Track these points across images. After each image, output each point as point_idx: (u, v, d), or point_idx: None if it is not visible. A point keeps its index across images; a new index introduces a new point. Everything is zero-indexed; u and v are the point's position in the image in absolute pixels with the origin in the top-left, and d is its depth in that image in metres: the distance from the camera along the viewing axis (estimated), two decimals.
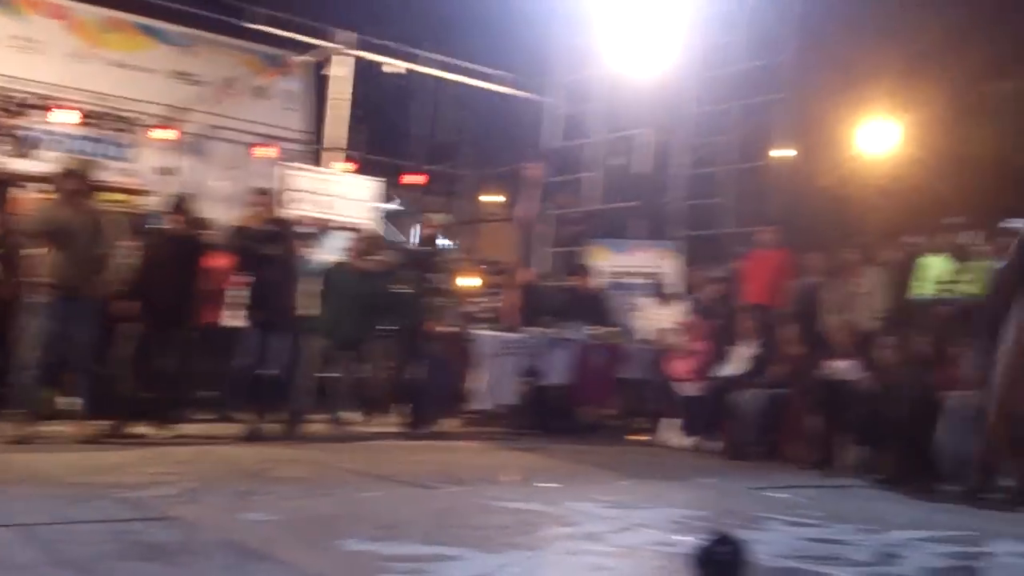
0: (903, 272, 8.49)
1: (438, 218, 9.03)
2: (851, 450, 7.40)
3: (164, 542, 3.63)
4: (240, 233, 7.76)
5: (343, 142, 13.74)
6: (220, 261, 8.72)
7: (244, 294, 7.73)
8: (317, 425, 8.13)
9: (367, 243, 8.65)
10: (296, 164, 12.44)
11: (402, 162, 16.99)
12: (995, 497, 6.04)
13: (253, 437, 7.26)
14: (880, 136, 16.63)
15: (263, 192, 8.44)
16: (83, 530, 3.75)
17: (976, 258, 7.75)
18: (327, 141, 13.92)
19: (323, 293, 8.10)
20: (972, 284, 7.63)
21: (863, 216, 16.79)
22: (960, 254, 7.77)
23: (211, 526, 3.93)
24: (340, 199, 11.37)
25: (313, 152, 14.52)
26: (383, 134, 17.06)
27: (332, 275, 8.31)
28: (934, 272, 7.93)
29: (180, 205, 7.65)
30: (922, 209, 13.80)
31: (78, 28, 13.76)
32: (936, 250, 8.10)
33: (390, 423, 9.03)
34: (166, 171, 12.29)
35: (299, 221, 10.57)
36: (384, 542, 3.77)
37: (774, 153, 12.78)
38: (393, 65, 13.98)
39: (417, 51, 14.45)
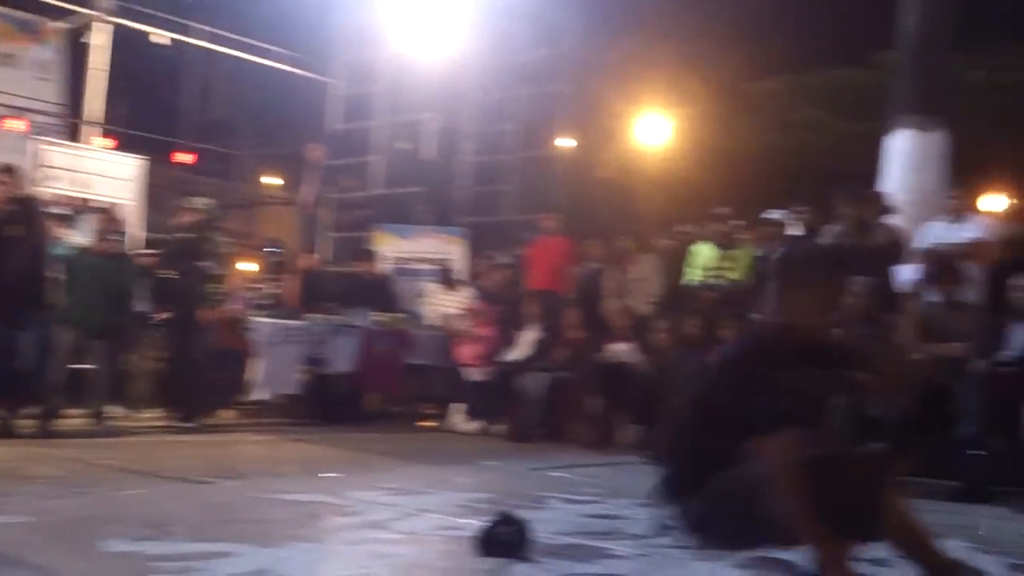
0: (675, 259, 8.95)
1: (200, 202, 8.52)
2: (629, 429, 7.71)
3: None
4: None
5: (102, 116, 12.79)
6: None
7: None
8: (75, 420, 7.51)
9: (107, 223, 8.04)
10: (50, 139, 11.43)
11: (170, 139, 16.08)
12: None
13: (3, 434, 6.65)
14: (655, 129, 17.52)
15: (7, 169, 7.66)
16: None
17: (739, 246, 8.29)
18: (85, 114, 12.91)
19: (68, 280, 7.48)
20: (735, 271, 8.16)
21: (639, 205, 17.61)
22: (725, 242, 8.28)
23: None
24: (99, 177, 10.57)
25: (69, 126, 13.44)
26: (149, 109, 16.04)
27: (75, 260, 7.68)
28: (702, 259, 8.40)
29: None
30: (692, 200, 14.63)
31: None
32: (704, 238, 8.60)
33: (157, 417, 8.53)
34: None
35: (53, 201, 9.77)
36: (150, 541, 3.50)
37: (557, 142, 13.13)
38: (159, 35, 13.16)
39: (187, 22, 13.68)
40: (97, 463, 5.70)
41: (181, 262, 8.10)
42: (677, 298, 8.54)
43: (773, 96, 17.69)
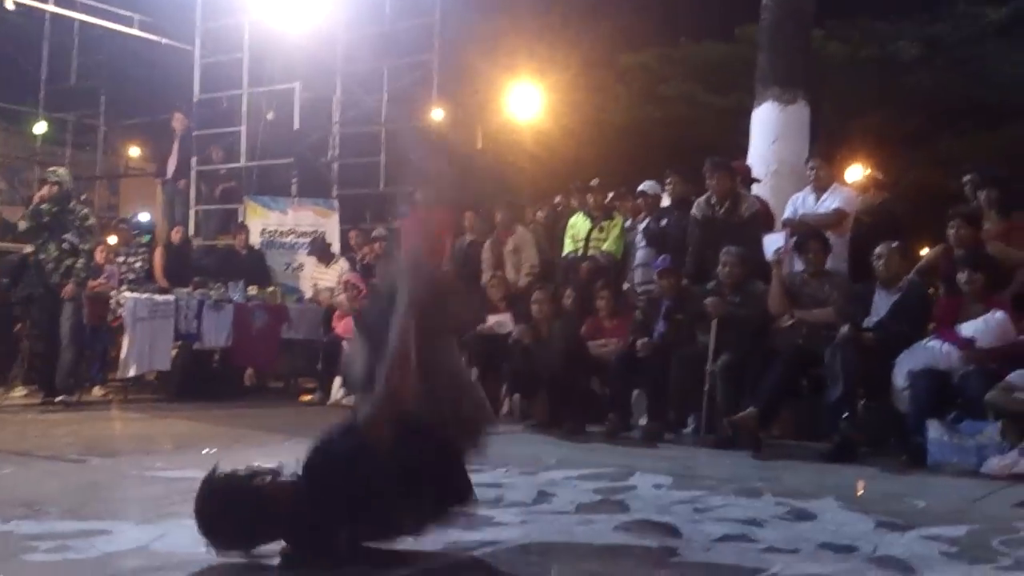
0: (550, 231, 9.13)
1: (60, 173, 8.21)
2: (507, 399, 7.85)
3: None
4: None
5: None
6: None
7: None
8: None
9: None
10: None
11: (24, 108, 15.24)
12: (634, 436, 6.72)
13: None
14: (526, 101, 17.66)
15: None
16: None
17: (612, 218, 8.51)
18: None
19: None
20: (607, 241, 8.38)
21: (513, 177, 17.77)
22: (598, 214, 8.48)
23: None
24: None
25: None
26: (1, 77, 15.14)
27: None
28: (576, 231, 8.59)
29: None
30: (565, 172, 14.87)
31: None
32: (577, 210, 8.79)
33: (26, 395, 8.22)
34: None
35: None
36: (23, 520, 3.41)
37: (428, 114, 13.09)
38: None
39: None
40: None
41: (44, 236, 7.79)
42: (553, 270, 8.73)
43: (644, 69, 18.08)
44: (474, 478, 4.67)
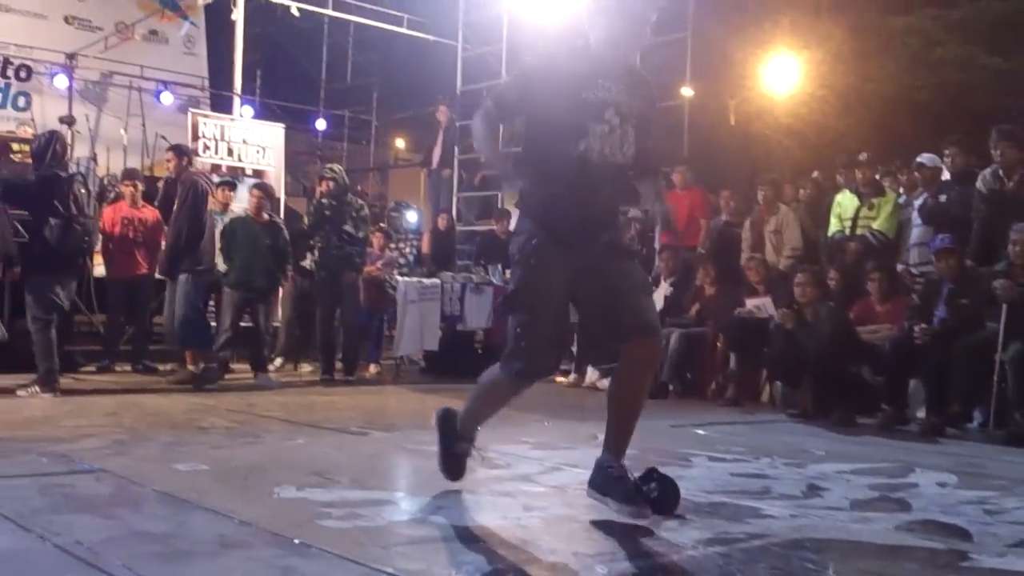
0: (813, 210, 8.72)
1: (336, 168, 8.86)
2: (769, 386, 7.61)
3: (96, 494, 3.52)
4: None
5: (241, 87, 13.34)
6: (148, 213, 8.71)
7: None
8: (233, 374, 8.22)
9: (264, 194, 8.62)
10: (203, 111, 12.03)
11: (304, 107, 16.61)
12: (911, 429, 6.30)
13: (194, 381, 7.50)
14: (783, 74, 16.90)
15: (173, 148, 8.38)
16: (12, 485, 3.61)
17: (882, 194, 7.99)
18: (227, 86, 13.47)
19: (229, 247, 8.21)
20: (879, 220, 7.88)
21: (769, 154, 17.13)
22: (867, 191, 7.98)
23: (143, 478, 3.81)
24: (244, 145, 11.07)
25: (213, 98, 14.07)
26: (283, 78, 16.62)
27: (236, 229, 8.32)
28: (842, 209, 8.14)
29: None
30: (827, 147, 14.15)
31: None
32: (843, 187, 8.31)
33: (311, 372, 8.99)
34: (64, 120, 11.76)
35: (213, 170, 10.38)
36: (317, 488, 3.71)
37: (681, 92, 12.87)
38: (291, 6, 13.57)
39: None
40: (262, 415, 6.08)
41: (325, 228, 8.44)
42: (817, 250, 8.34)
43: (915, 32, 16.74)
44: (738, 467, 4.61)
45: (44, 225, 6.73)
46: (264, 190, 8.76)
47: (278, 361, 9.25)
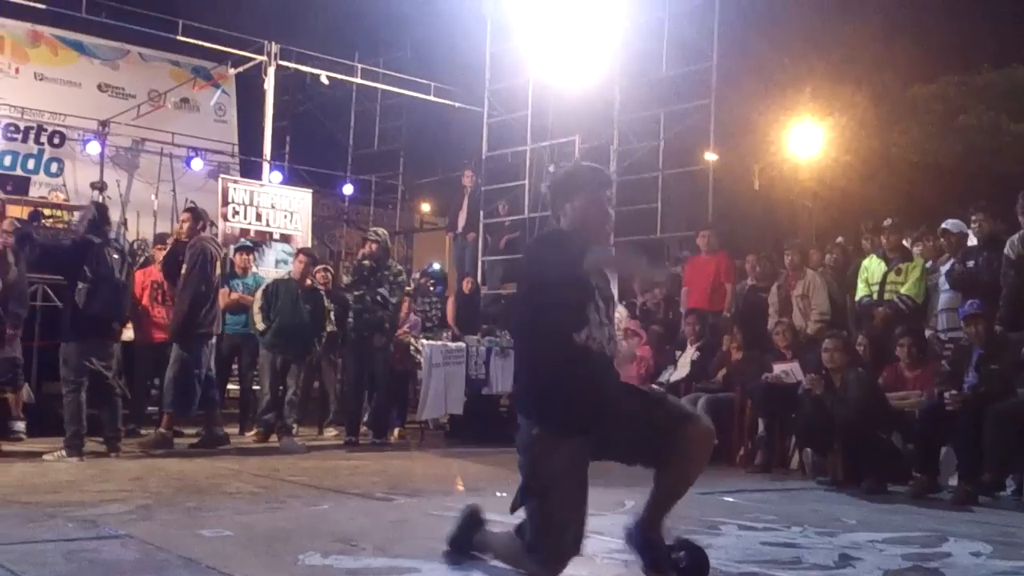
0: (840, 274, 8.68)
1: (381, 232, 8.94)
2: (798, 452, 7.50)
3: (122, 560, 3.52)
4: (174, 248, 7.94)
5: (270, 153, 13.62)
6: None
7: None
8: (250, 437, 8.38)
9: (309, 260, 8.77)
10: (232, 176, 12.26)
11: (331, 172, 16.88)
12: (943, 497, 6.18)
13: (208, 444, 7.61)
14: (806, 140, 17.02)
15: (189, 210, 8.55)
16: (38, 550, 3.62)
17: (909, 259, 7.95)
18: (256, 152, 13.76)
19: (268, 309, 8.31)
20: (906, 285, 7.83)
21: (793, 218, 17.16)
22: (894, 255, 7.95)
23: (168, 543, 3.81)
24: (273, 210, 11.24)
25: (243, 163, 14.34)
26: (309, 144, 16.96)
27: (278, 290, 8.44)
28: (869, 274, 8.11)
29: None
30: (850, 211, 14.18)
31: (2, 43, 13.42)
32: (871, 252, 8.29)
33: (330, 436, 8.98)
34: (95, 185, 12.02)
35: (241, 234, 10.55)
36: (342, 556, 3.68)
37: (705, 157, 12.96)
38: (320, 76, 13.90)
39: (346, 61, 14.38)
40: (286, 479, 6.07)
41: (363, 289, 8.49)
42: (845, 315, 8.29)
43: (939, 99, 16.85)
44: (768, 536, 4.53)
45: (71, 290, 6.88)
46: (310, 256, 8.89)
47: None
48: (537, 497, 3.32)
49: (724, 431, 8.15)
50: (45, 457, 6.59)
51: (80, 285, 6.86)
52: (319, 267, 8.93)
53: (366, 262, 8.61)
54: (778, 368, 7.69)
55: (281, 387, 8.35)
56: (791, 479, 7.11)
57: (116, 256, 7.16)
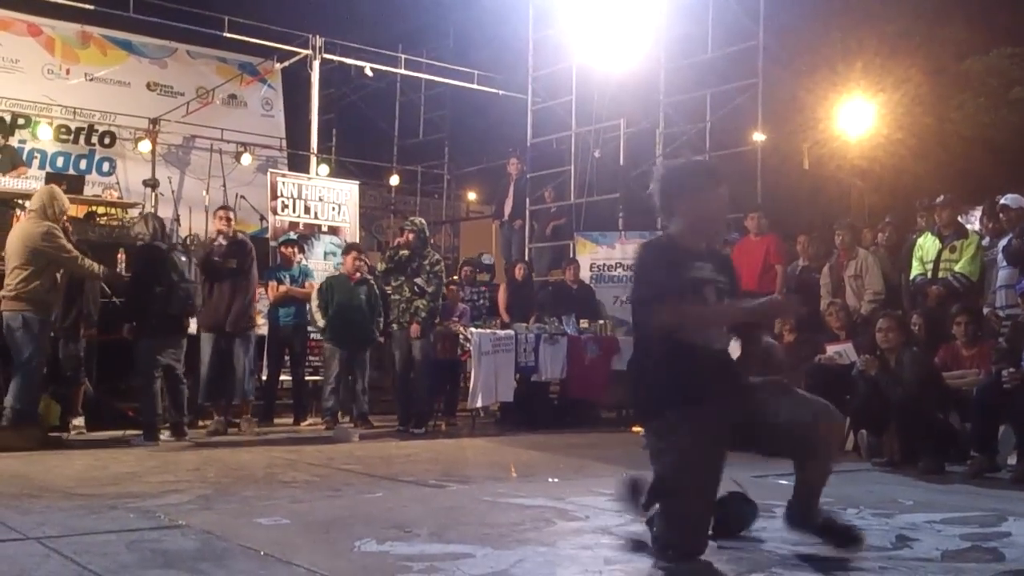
0: (894, 252, 8.55)
1: (418, 221, 8.98)
2: (853, 434, 7.41)
3: (182, 549, 3.59)
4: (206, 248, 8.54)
5: (317, 146, 13.74)
6: None
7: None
8: (305, 427, 8.70)
9: (359, 255, 9.07)
10: (280, 171, 12.41)
11: (377, 163, 16.98)
12: (1002, 476, 6.07)
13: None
14: (856, 117, 16.73)
15: (227, 207, 8.96)
16: (101, 541, 3.70)
17: (964, 236, 7.80)
18: (303, 145, 13.89)
19: (325, 304, 8.70)
20: (961, 262, 7.68)
21: (844, 198, 16.89)
22: (949, 233, 7.80)
23: (226, 532, 3.88)
24: (320, 203, 11.35)
25: (291, 157, 14.49)
26: (356, 136, 17.07)
27: (332, 285, 8.84)
28: (923, 252, 7.97)
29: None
30: (902, 189, 13.93)
31: (52, 44, 13.67)
32: (923, 230, 8.15)
33: (386, 424, 9.07)
34: (147, 183, 12.23)
35: (290, 227, 10.69)
36: (397, 542, 3.72)
37: (752, 138, 12.81)
38: (364, 67, 13.97)
39: (391, 52, 14.44)
40: (341, 468, 6.15)
41: (400, 278, 8.54)
42: (899, 294, 8.16)
43: (993, 72, 16.43)
44: None
45: (146, 293, 7.41)
46: (358, 250, 9.19)
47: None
48: (666, 496, 3.49)
49: None
50: (133, 442, 7.24)
51: (157, 289, 7.41)
52: (354, 255, 9.02)
53: (403, 251, 8.64)
54: (831, 349, 7.61)
55: (349, 377, 8.79)
56: (846, 461, 7.01)
57: (184, 259, 7.76)
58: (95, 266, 7.41)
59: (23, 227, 7.17)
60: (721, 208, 3.64)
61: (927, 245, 7.92)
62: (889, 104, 16.40)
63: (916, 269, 7.98)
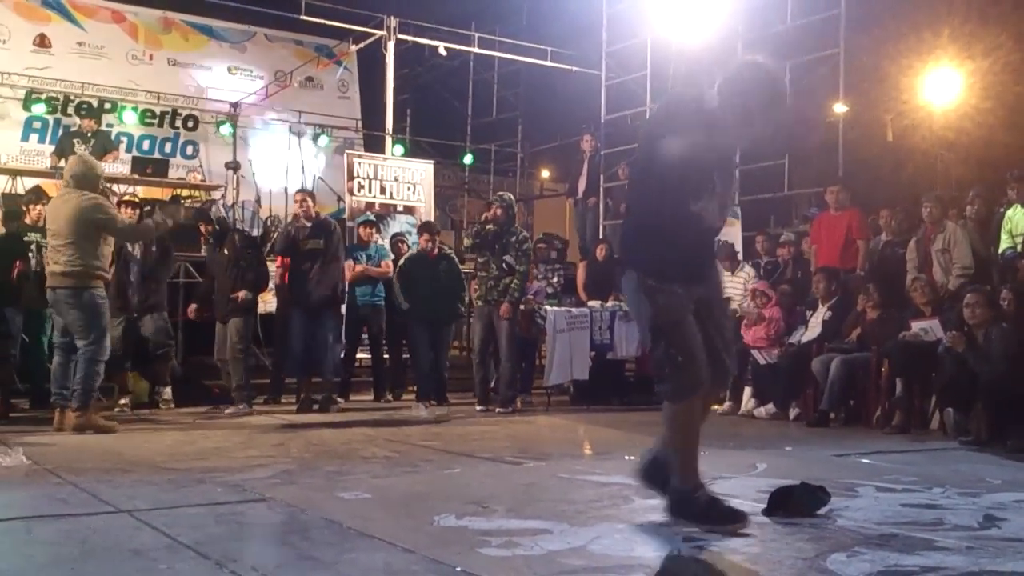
0: (983, 226, 8.25)
1: (508, 197, 8.91)
2: (939, 412, 7.22)
3: (268, 522, 3.71)
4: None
5: (392, 126, 13.85)
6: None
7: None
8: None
9: (430, 234, 9.00)
10: (358, 152, 12.55)
11: (451, 142, 17.05)
12: None
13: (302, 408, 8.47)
14: (943, 86, 16.14)
15: (306, 190, 9.18)
16: (190, 514, 3.83)
17: None
18: (378, 126, 14.01)
19: (406, 282, 8.77)
20: None
21: (929, 170, 16.36)
22: None
23: (310, 506, 3.97)
24: (396, 183, 11.46)
25: (366, 138, 14.64)
26: (430, 115, 17.17)
27: (411, 266, 8.87)
28: (1013, 225, 7.69)
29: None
30: (991, 160, 13.41)
31: (135, 30, 14.04)
32: (1013, 202, 7.85)
33: (463, 402, 9.16)
34: (229, 166, 12.51)
35: (366, 207, 10.83)
36: (475, 517, 3.76)
37: (834, 109, 12.47)
38: (435, 47, 14.00)
39: (464, 31, 14.45)
40: (419, 444, 6.24)
41: (486, 255, 8.57)
42: (988, 269, 7.88)
43: None
44: (908, 498, 4.39)
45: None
46: (431, 230, 9.15)
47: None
48: (663, 336, 3.62)
49: (859, 392, 7.93)
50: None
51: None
52: (425, 235, 8.99)
53: (489, 226, 8.55)
54: (916, 326, 7.42)
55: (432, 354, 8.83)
56: (931, 440, 6.85)
57: (238, 241, 8.30)
58: (148, 224, 7.54)
59: (68, 201, 6.68)
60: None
61: (1016, 218, 7.63)
62: (978, 72, 15.77)
63: (1005, 243, 7.70)
